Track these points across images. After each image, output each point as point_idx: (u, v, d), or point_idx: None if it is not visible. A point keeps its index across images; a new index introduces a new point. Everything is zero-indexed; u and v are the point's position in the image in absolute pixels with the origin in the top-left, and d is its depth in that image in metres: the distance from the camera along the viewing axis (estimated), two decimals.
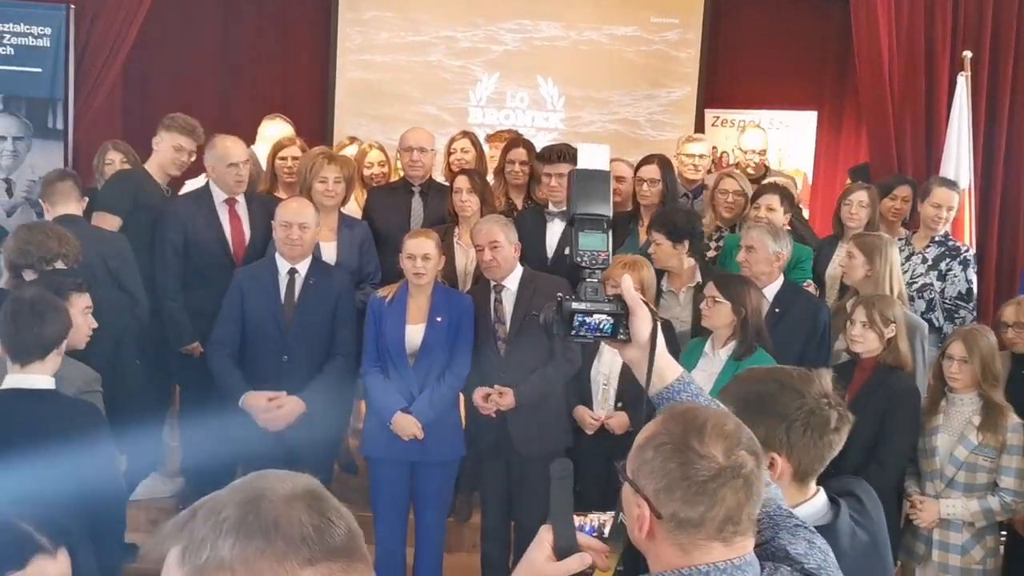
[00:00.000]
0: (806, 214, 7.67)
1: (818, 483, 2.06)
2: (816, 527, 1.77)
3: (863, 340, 3.76)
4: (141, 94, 7.49)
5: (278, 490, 1.04)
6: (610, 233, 1.88)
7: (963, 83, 5.51)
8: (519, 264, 4.21)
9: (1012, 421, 3.66)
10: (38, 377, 2.89)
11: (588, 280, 1.83)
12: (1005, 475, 3.63)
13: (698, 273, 4.41)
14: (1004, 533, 3.92)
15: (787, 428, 1.96)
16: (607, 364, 4.13)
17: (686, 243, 4.34)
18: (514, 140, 5.47)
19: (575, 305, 1.80)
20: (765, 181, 5.46)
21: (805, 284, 4.65)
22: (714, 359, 3.84)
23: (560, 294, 1.83)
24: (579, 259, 1.84)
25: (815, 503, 2.02)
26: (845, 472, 3.32)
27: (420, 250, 4.01)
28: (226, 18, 8.30)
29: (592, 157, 2.12)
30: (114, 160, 4.89)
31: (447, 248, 4.49)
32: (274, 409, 3.99)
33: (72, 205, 4.15)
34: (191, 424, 4.52)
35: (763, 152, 6.10)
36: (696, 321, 4.18)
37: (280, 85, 8.51)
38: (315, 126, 8.22)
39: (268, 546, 0.99)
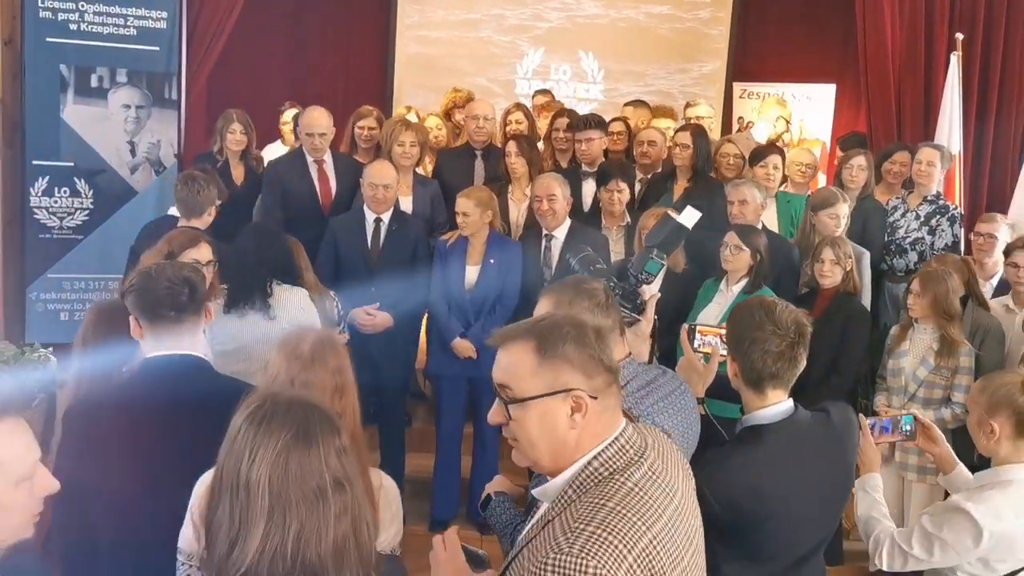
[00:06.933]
0: (822, 178, 8.39)
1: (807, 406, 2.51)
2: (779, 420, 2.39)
3: (832, 274, 4.56)
4: (223, 69, 8.25)
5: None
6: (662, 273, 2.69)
7: (955, 61, 6.19)
8: (568, 217, 4.99)
9: (964, 348, 4.38)
10: None
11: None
12: (957, 391, 4.35)
13: (628, 215, 5.23)
14: None
15: (741, 345, 2.44)
16: None
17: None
18: (559, 111, 6.23)
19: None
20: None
21: None
22: (727, 294, 4.57)
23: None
24: (635, 273, 2.62)
25: (773, 409, 2.42)
26: (811, 380, 4.15)
27: (460, 208, 4.84)
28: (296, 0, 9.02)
29: (688, 215, 2.92)
30: (236, 130, 5.62)
31: (502, 203, 5.26)
32: (371, 319, 4.81)
33: None
34: None
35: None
36: (628, 253, 4.97)
37: (344, 59, 9.24)
38: (376, 96, 8.92)
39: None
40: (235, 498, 1.54)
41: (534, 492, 1.79)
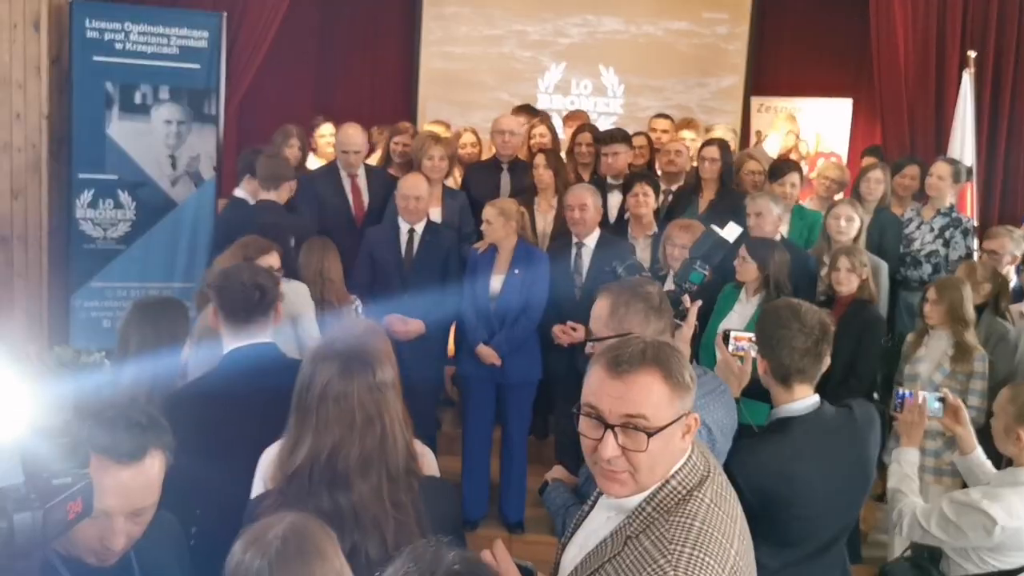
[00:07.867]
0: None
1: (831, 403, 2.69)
2: (805, 413, 2.59)
3: (847, 282, 4.73)
4: (255, 85, 8.48)
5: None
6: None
7: (967, 79, 6.36)
8: (598, 227, 5.18)
9: (979, 353, 4.54)
10: None
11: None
12: (971, 395, 4.50)
13: (655, 224, 5.42)
14: None
15: (770, 342, 2.65)
16: None
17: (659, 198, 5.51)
18: (581, 126, 6.43)
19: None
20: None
21: None
22: (747, 304, 4.70)
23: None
24: (680, 282, 2.87)
25: (801, 403, 2.63)
26: (832, 383, 4.33)
27: (485, 216, 5.07)
28: (322, 16, 9.26)
29: (730, 230, 3.20)
30: (294, 145, 5.86)
31: (529, 214, 5.45)
32: (404, 326, 5.02)
33: None
34: None
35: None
36: (654, 261, 5.15)
37: (370, 74, 9.50)
38: (401, 110, 9.16)
39: None
40: (299, 417, 2.15)
41: (608, 501, 1.87)
